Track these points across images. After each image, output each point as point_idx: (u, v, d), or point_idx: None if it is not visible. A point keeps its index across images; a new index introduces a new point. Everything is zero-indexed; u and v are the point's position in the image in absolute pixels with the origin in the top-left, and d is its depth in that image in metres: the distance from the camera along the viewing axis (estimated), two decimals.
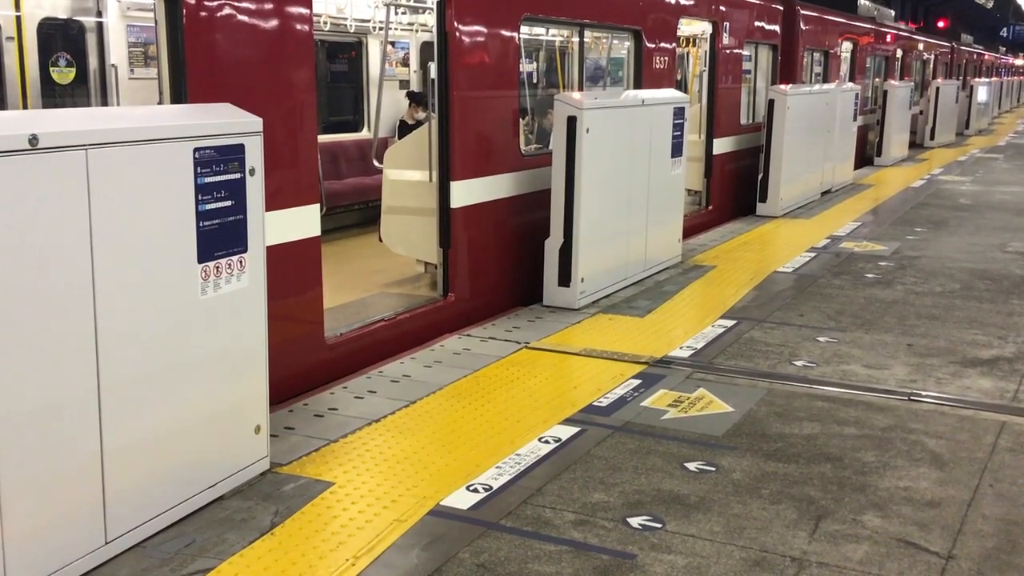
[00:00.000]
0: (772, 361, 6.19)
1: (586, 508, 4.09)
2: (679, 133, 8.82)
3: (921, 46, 27.34)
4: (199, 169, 3.84)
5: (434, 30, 6.95)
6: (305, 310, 5.72)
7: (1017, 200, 14.34)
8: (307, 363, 5.71)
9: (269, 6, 5.23)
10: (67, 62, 8.40)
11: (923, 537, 3.89)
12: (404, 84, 12.76)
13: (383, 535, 3.82)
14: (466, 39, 7.00)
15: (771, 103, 11.98)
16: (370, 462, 4.51)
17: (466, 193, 7.10)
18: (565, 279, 7.35)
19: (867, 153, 19.53)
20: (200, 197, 3.86)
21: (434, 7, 6.89)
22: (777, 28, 14.26)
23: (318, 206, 5.70)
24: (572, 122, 7.10)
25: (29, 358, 3.23)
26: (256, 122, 4.12)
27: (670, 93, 9.09)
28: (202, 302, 3.94)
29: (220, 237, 3.98)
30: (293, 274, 5.51)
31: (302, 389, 5.54)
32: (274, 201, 5.08)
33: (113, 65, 8.63)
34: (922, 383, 5.80)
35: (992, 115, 36.95)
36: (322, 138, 8.80)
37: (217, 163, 3.92)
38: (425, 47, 12.64)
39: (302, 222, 5.55)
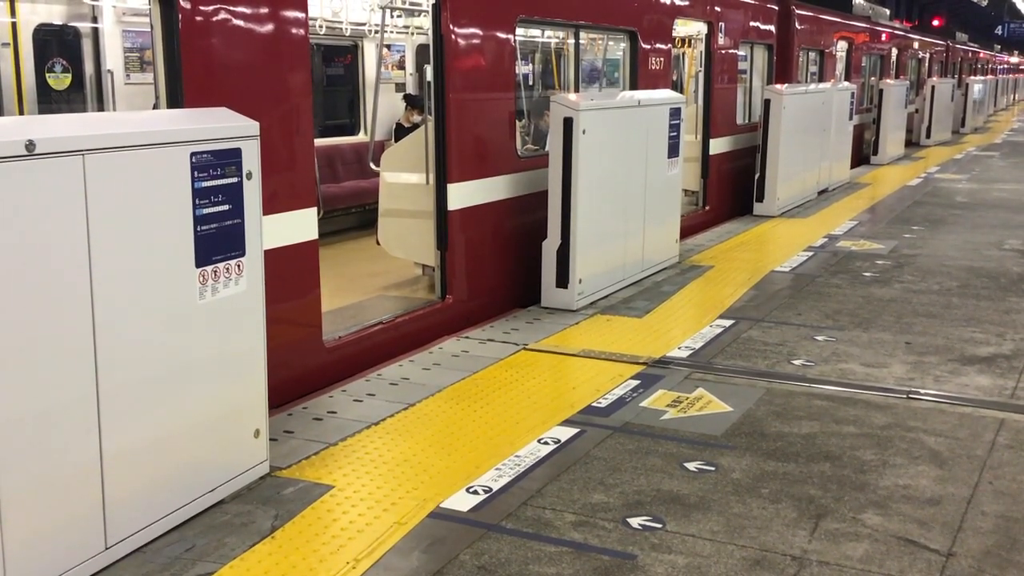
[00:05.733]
0: (770, 360, 6.19)
1: (586, 509, 4.09)
2: (675, 134, 8.83)
3: (916, 45, 27.38)
4: (196, 173, 3.84)
5: (429, 33, 6.95)
6: (303, 313, 5.72)
7: (1014, 198, 14.36)
8: (306, 366, 5.71)
9: (264, 10, 5.23)
10: (63, 68, 8.40)
11: (923, 535, 3.89)
12: (400, 87, 12.76)
13: (383, 538, 3.82)
14: (461, 41, 7.01)
15: (767, 103, 11.99)
16: (370, 465, 4.51)
17: (463, 195, 7.11)
18: (563, 280, 7.35)
19: (863, 152, 19.55)
20: (197, 201, 3.86)
21: (429, 10, 6.90)
22: (772, 28, 14.28)
23: (315, 209, 5.70)
24: (568, 123, 7.10)
25: (28, 364, 3.23)
26: (253, 126, 4.12)
27: (666, 94, 9.10)
28: (200, 306, 3.94)
29: (218, 241, 3.98)
30: (291, 278, 5.51)
31: (301, 392, 5.54)
32: (271, 205, 5.08)
33: (109, 70, 8.63)
34: (920, 381, 5.81)
35: (988, 113, 37.00)
36: (319, 142, 8.82)
37: (214, 167, 3.92)
38: (421, 50, 12.65)
39: (300, 226, 5.55)
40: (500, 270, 7.69)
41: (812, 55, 16.43)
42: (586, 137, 7.16)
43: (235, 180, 4.03)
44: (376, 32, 11.20)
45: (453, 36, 6.88)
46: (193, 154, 3.82)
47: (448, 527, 3.92)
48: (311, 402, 5.38)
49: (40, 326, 3.26)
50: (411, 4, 9.04)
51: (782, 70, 14.69)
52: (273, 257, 4.93)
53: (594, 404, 5.35)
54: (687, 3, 11.06)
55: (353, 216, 10.94)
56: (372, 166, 7.91)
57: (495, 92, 7.48)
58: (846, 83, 16.55)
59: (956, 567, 3.65)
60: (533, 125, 11.10)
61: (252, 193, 4.12)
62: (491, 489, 4.26)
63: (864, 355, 6.30)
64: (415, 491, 4.24)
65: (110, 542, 3.60)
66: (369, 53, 11.95)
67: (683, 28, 11.83)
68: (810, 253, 9.81)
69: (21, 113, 7.94)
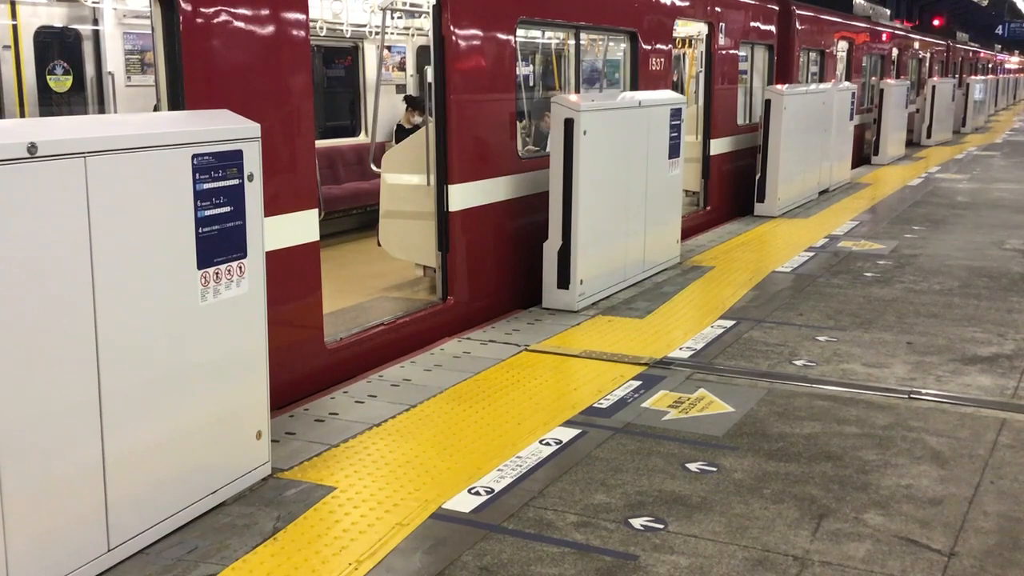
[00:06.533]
0: (772, 361, 6.19)
1: (588, 510, 4.10)
2: (676, 134, 8.83)
3: (917, 44, 27.37)
4: (197, 175, 3.85)
5: (430, 34, 6.95)
6: (305, 315, 5.72)
7: (1014, 197, 14.36)
8: (308, 368, 5.72)
9: (265, 12, 5.23)
10: (64, 70, 8.41)
11: (925, 535, 3.89)
12: (401, 88, 12.77)
13: (385, 539, 3.83)
14: (462, 43, 7.01)
15: (768, 103, 11.99)
16: (371, 466, 4.51)
17: (464, 197, 7.11)
18: (564, 281, 7.35)
19: (864, 152, 19.54)
20: (199, 203, 3.86)
21: (430, 11, 6.90)
22: (773, 28, 14.28)
23: (316, 211, 5.70)
24: (569, 124, 7.10)
25: (30, 366, 3.23)
26: (254, 128, 4.13)
27: (667, 94, 9.10)
28: (202, 308, 3.94)
29: (219, 243, 3.98)
30: (293, 279, 5.52)
31: (303, 394, 5.54)
32: (272, 207, 5.09)
33: (110, 73, 8.64)
34: (922, 381, 5.81)
35: (988, 113, 36.99)
36: (320, 143, 8.81)
37: (215, 169, 3.92)
38: (421, 51, 12.65)
39: (301, 227, 5.55)
40: (501, 271, 7.69)
41: (813, 55, 16.43)
42: (587, 138, 7.17)
43: (236, 182, 4.04)
44: (376, 34, 11.21)
45: (454, 37, 6.89)
46: (194, 156, 3.82)
47: (450, 528, 3.93)
48: (312, 403, 5.38)
49: (42, 328, 3.26)
50: (411, 5, 9.05)
51: (783, 70, 14.68)
52: (274, 259, 4.93)
53: (595, 405, 5.35)
54: (687, 4, 11.06)
55: (354, 217, 10.95)
56: (373, 167, 7.91)
57: (496, 93, 7.48)
58: (847, 83, 16.55)
59: (958, 567, 3.65)
60: (534, 126, 11.10)
61: (253, 195, 4.12)
62: (493, 490, 4.27)
63: (865, 355, 6.30)
64: (417, 492, 4.24)
65: (112, 544, 3.60)
66: (370, 55, 11.96)
67: (684, 29, 11.83)
68: (811, 253, 9.81)
69: (22, 115, 7.95)
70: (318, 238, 5.71)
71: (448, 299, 7.13)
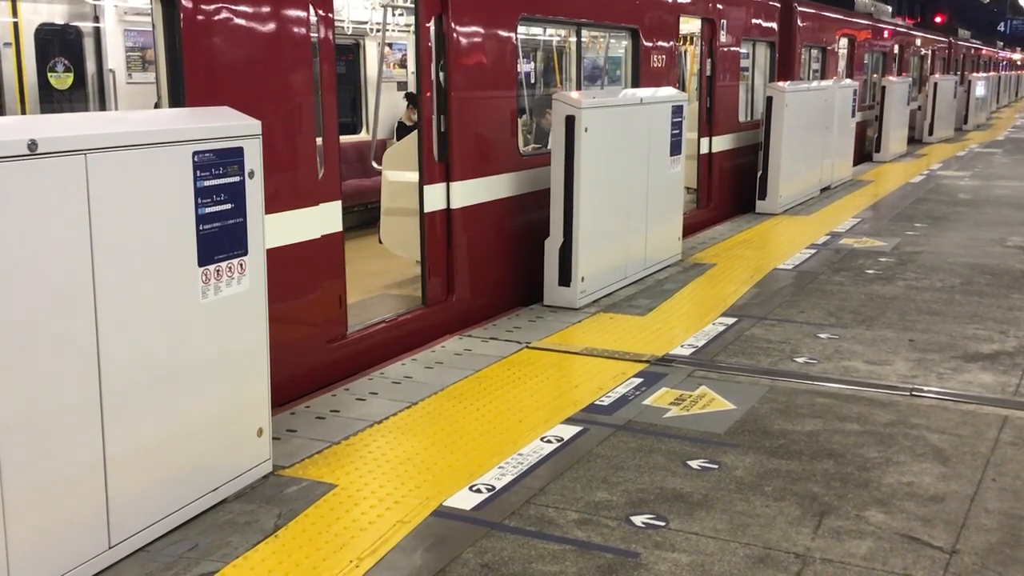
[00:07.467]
0: (773, 358, 6.18)
1: (589, 507, 4.09)
2: (678, 131, 8.82)
3: (919, 41, 27.34)
4: (198, 172, 3.84)
5: (432, 31, 6.94)
6: (325, 307, 5.74)
7: (1016, 195, 14.34)
8: (318, 362, 5.72)
9: (266, 9, 5.22)
10: (65, 67, 8.41)
11: (927, 532, 3.89)
12: (402, 86, 12.76)
13: (387, 536, 3.82)
14: (463, 40, 7.00)
15: (769, 100, 11.98)
16: (373, 464, 4.51)
17: (465, 194, 7.10)
18: (565, 279, 7.34)
19: (866, 149, 19.53)
20: (200, 200, 3.86)
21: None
22: (775, 25, 14.26)
23: (340, 202, 5.72)
24: (570, 121, 7.09)
25: (30, 364, 3.23)
26: (255, 125, 4.12)
27: (668, 92, 9.09)
28: (203, 306, 3.94)
29: (220, 240, 3.98)
30: (318, 270, 5.55)
31: (304, 391, 5.54)
32: (282, 202, 5.14)
33: (111, 70, 8.63)
34: (924, 378, 5.80)
35: (990, 110, 36.95)
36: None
37: (216, 166, 3.92)
38: None
39: (327, 219, 5.59)
40: (502, 268, 7.68)
41: (814, 52, 16.41)
42: (588, 135, 7.16)
43: (237, 179, 4.03)
44: (378, 30, 11.21)
45: (455, 34, 6.88)
46: (195, 153, 3.82)
47: (451, 525, 3.92)
48: (314, 401, 5.38)
49: (43, 326, 3.26)
50: (413, 2, 9.02)
51: (784, 67, 14.67)
52: (300, 251, 4.96)
53: (597, 402, 5.35)
54: (689, 1, 11.04)
55: (355, 215, 10.93)
56: (374, 165, 7.90)
57: (497, 90, 7.47)
58: (848, 80, 16.53)
59: (960, 564, 3.64)
60: (535, 123, 11.10)
61: (254, 192, 4.12)
62: (494, 487, 4.26)
63: (867, 352, 6.29)
64: (418, 489, 4.24)
65: (113, 541, 3.60)
66: (371, 52, 11.95)
67: (685, 26, 11.81)
68: (813, 251, 9.80)
69: (23, 112, 7.94)
70: (341, 228, 5.72)
71: (449, 296, 7.10)
